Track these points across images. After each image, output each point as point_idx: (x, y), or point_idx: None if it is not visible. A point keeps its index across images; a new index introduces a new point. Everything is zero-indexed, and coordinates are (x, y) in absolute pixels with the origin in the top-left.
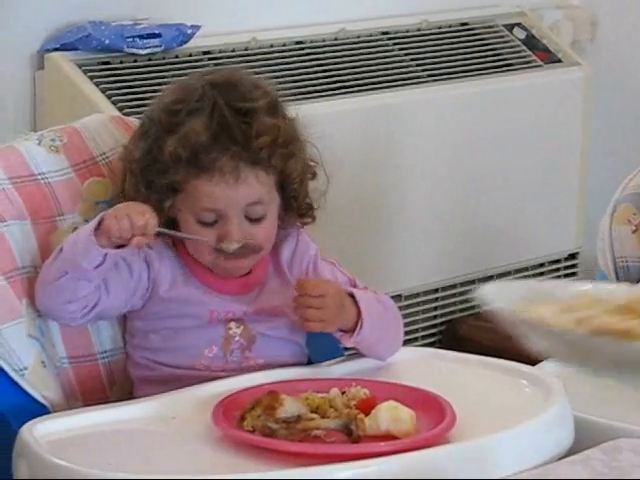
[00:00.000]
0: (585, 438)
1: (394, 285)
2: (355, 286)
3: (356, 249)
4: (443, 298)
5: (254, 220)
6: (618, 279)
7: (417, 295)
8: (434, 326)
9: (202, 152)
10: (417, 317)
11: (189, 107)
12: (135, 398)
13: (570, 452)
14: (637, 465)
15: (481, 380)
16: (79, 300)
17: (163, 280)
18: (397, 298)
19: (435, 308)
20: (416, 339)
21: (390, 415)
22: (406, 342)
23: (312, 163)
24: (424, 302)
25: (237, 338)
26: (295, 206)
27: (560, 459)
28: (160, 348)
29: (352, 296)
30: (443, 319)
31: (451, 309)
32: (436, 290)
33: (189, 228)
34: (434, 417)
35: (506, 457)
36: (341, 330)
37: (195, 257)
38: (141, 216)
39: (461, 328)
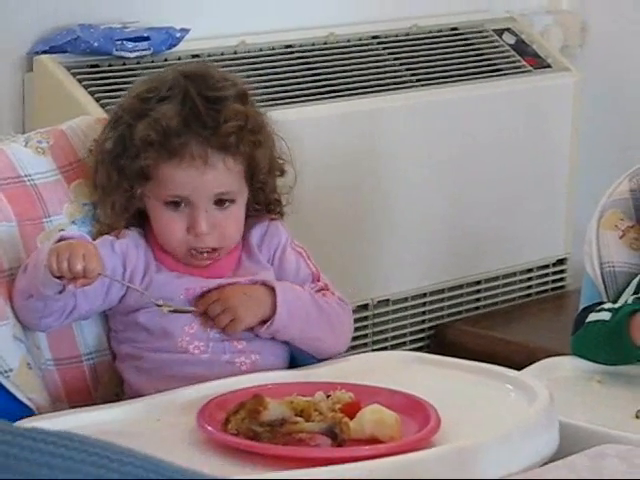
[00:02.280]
0: (570, 443)
1: (382, 290)
2: (318, 281)
3: (344, 254)
4: (431, 303)
5: (223, 209)
6: (605, 284)
7: (405, 300)
8: (422, 331)
9: (173, 136)
10: (405, 322)
11: (160, 95)
12: (122, 399)
13: (554, 457)
14: (622, 471)
15: (466, 384)
16: (52, 314)
17: (138, 272)
18: (385, 303)
19: (423, 313)
20: (404, 344)
21: (374, 419)
22: (394, 347)
23: (281, 160)
24: (412, 307)
25: None
26: (263, 199)
27: (544, 464)
28: (143, 336)
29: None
30: (431, 324)
31: (439, 314)
32: (424, 295)
33: (158, 216)
34: (419, 421)
35: (490, 462)
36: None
37: (164, 246)
38: (80, 261)
39: (449, 333)
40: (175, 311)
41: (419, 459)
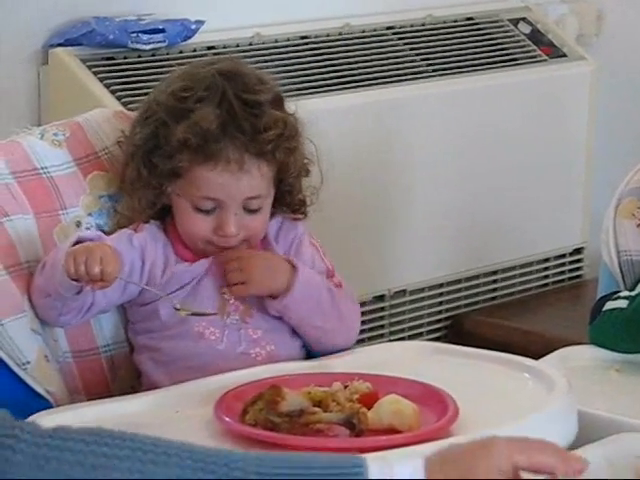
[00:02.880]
0: (588, 432)
1: (399, 280)
2: (332, 277)
3: (361, 245)
4: (448, 293)
5: (250, 212)
6: (622, 273)
7: (422, 290)
8: (439, 321)
9: (211, 140)
10: (422, 312)
11: (198, 95)
12: (138, 392)
13: (573, 446)
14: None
15: (484, 374)
16: (71, 312)
17: (157, 266)
18: (402, 293)
19: (440, 303)
20: (421, 334)
21: (392, 409)
22: (411, 337)
23: (306, 160)
24: (429, 297)
25: (232, 301)
26: (289, 201)
27: None
28: (159, 325)
29: (293, 266)
30: (448, 314)
31: (456, 304)
32: (441, 285)
33: (185, 214)
34: (437, 411)
35: None
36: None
37: (187, 241)
38: (97, 264)
39: (466, 323)
40: (194, 314)
41: (437, 449)
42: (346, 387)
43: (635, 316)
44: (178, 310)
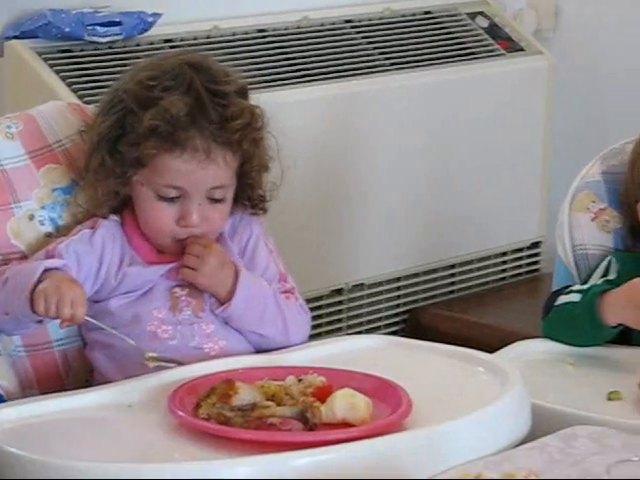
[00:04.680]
0: (542, 425)
1: (357, 274)
2: (285, 281)
3: (319, 238)
4: (406, 287)
5: (214, 202)
6: (577, 267)
7: (380, 284)
8: (397, 315)
9: (180, 128)
10: (380, 306)
11: (165, 84)
12: (92, 385)
13: (527, 439)
14: (593, 452)
15: (438, 367)
16: (27, 329)
17: (113, 266)
18: (360, 287)
19: (398, 297)
20: (379, 328)
21: (346, 403)
22: (369, 331)
23: (267, 156)
24: (387, 291)
25: (183, 298)
26: (250, 195)
27: (517, 446)
28: (112, 322)
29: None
30: (406, 308)
31: (414, 298)
32: (399, 279)
33: (148, 204)
34: (390, 404)
35: (462, 444)
36: (213, 297)
37: (148, 235)
38: (68, 308)
39: (424, 317)
40: (164, 361)
41: (390, 442)
42: (300, 381)
43: (588, 309)
44: (147, 360)
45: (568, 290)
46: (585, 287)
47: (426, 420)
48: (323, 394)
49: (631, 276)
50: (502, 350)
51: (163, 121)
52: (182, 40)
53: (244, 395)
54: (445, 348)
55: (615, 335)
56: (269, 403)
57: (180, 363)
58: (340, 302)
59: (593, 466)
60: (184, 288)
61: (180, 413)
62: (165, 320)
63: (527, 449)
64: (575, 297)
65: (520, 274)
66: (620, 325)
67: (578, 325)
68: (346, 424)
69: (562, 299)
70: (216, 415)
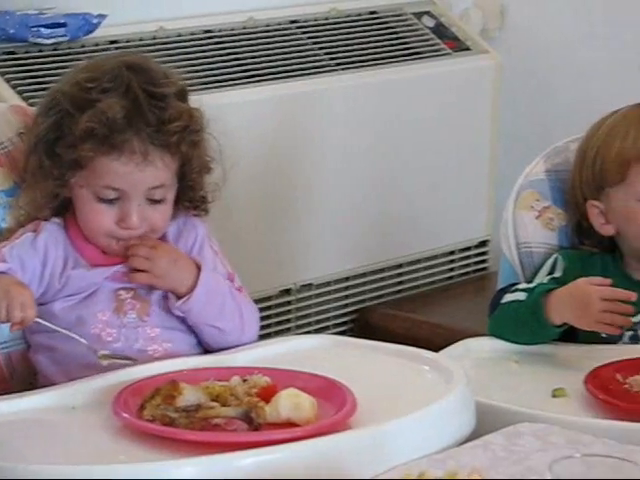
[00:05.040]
0: (488, 423)
1: (305, 274)
2: (232, 281)
3: (266, 238)
4: (354, 286)
5: (154, 202)
6: (522, 265)
7: (328, 284)
8: (345, 315)
9: (116, 131)
10: (328, 306)
11: (103, 85)
12: (36, 388)
13: (472, 437)
14: (537, 449)
15: (383, 366)
16: None
17: (57, 268)
18: (308, 287)
19: (346, 297)
20: (327, 328)
21: (290, 402)
22: (317, 331)
23: (209, 158)
24: (335, 291)
25: (129, 300)
26: (191, 196)
27: (461, 444)
28: (57, 325)
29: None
30: (354, 307)
31: (362, 297)
32: (347, 279)
33: (87, 206)
34: (335, 404)
35: (407, 442)
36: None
37: (88, 236)
38: (18, 311)
39: (372, 316)
40: (115, 358)
41: (334, 442)
42: (245, 381)
43: (533, 308)
44: (100, 358)
45: (514, 288)
46: (531, 285)
47: (370, 419)
48: (268, 394)
49: (577, 273)
50: (448, 348)
51: (99, 124)
52: (128, 41)
53: (188, 396)
54: (390, 347)
55: (560, 334)
56: (214, 404)
57: (133, 360)
58: (288, 302)
59: (537, 463)
60: (129, 291)
61: (124, 415)
62: (109, 323)
63: (471, 447)
64: (521, 295)
65: (468, 273)
66: (565, 324)
67: (523, 323)
68: (291, 424)
69: (508, 297)
70: (160, 416)
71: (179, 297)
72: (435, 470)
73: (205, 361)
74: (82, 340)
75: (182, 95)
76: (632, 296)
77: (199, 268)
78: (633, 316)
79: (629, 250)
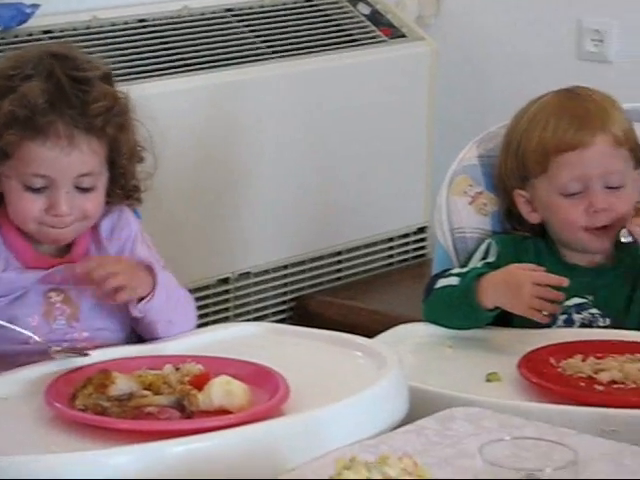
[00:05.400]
0: (422, 408)
1: (243, 263)
2: None
3: (204, 227)
4: (293, 274)
5: (83, 190)
6: (456, 251)
7: (266, 272)
8: (284, 302)
9: (39, 114)
10: (267, 294)
11: (25, 73)
12: None
13: (406, 422)
14: (470, 433)
15: (317, 353)
16: None
17: None
18: (246, 276)
19: (285, 285)
20: (266, 316)
21: (223, 390)
22: (256, 319)
23: (139, 147)
24: (273, 279)
25: (58, 305)
26: (122, 184)
27: (395, 429)
28: None
29: (150, 269)
30: (293, 295)
31: (301, 285)
32: (285, 267)
33: (16, 195)
34: (268, 391)
35: (340, 428)
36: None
37: (19, 225)
38: None
39: (311, 304)
40: (67, 352)
41: (267, 428)
42: (178, 369)
43: (465, 293)
44: (53, 353)
45: (447, 273)
46: (464, 270)
47: (303, 406)
48: (201, 382)
49: (511, 258)
50: (382, 334)
51: (21, 107)
52: (61, 31)
53: (121, 385)
54: (324, 334)
55: (493, 318)
56: (146, 392)
57: (85, 354)
58: (227, 291)
59: (469, 447)
60: (60, 293)
61: (56, 404)
62: (38, 328)
63: (404, 432)
64: (453, 280)
65: (407, 259)
66: (497, 309)
67: (456, 308)
68: (224, 411)
69: (441, 282)
70: (93, 406)
71: (138, 298)
72: (367, 455)
73: (137, 350)
74: (36, 338)
75: (106, 78)
76: (564, 282)
77: (150, 268)
78: (567, 299)
79: (556, 238)
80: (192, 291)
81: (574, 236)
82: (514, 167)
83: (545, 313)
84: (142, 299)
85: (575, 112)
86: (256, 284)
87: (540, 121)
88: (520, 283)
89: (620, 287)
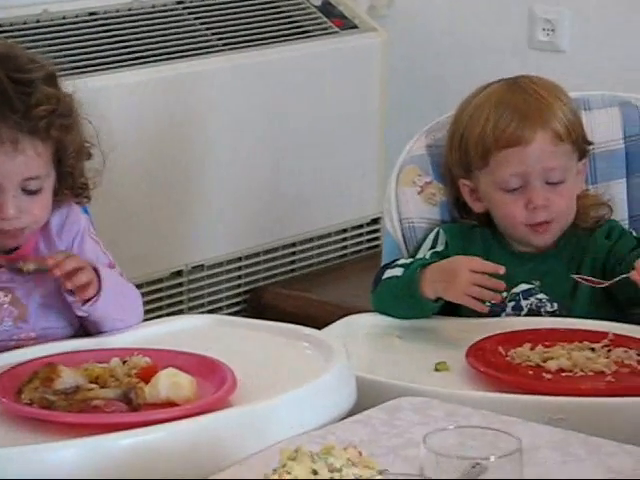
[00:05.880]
0: (369, 398)
1: (196, 255)
2: (114, 268)
3: (156, 220)
4: (246, 267)
5: (30, 193)
6: (405, 241)
7: (220, 264)
8: (238, 295)
9: None
10: (221, 286)
11: None
12: None
13: (354, 412)
14: (417, 422)
15: (264, 344)
16: None
17: None
18: (200, 268)
19: (239, 277)
20: (221, 308)
21: (169, 382)
22: (211, 312)
23: (87, 144)
24: (227, 271)
25: (6, 306)
26: (71, 183)
27: (343, 419)
28: None
29: (96, 270)
30: (247, 287)
31: (255, 277)
32: (239, 259)
33: None
34: (215, 383)
35: (287, 419)
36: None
37: None
38: None
39: (265, 296)
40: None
41: (214, 420)
42: (125, 362)
43: (408, 283)
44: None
45: (394, 264)
46: (408, 261)
47: (251, 397)
48: (148, 375)
49: (459, 247)
50: (331, 325)
51: None
52: (11, 25)
53: (67, 378)
54: (270, 325)
55: (438, 309)
56: (93, 385)
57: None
58: (180, 284)
59: (416, 436)
60: (7, 293)
61: (2, 399)
62: None
63: (352, 422)
64: (398, 271)
65: (361, 251)
66: (440, 299)
67: (400, 299)
68: (170, 403)
69: (387, 273)
70: (39, 399)
71: (81, 298)
72: (314, 446)
73: (84, 343)
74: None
75: (50, 79)
76: (500, 269)
77: (94, 268)
78: (514, 286)
79: (500, 229)
80: (145, 284)
81: (515, 230)
82: (458, 158)
83: (487, 304)
84: (87, 300)
85: (516, 107)
86: (210, 277)
87: (482, 115)
88: (456, 270)
89: (565, 272)
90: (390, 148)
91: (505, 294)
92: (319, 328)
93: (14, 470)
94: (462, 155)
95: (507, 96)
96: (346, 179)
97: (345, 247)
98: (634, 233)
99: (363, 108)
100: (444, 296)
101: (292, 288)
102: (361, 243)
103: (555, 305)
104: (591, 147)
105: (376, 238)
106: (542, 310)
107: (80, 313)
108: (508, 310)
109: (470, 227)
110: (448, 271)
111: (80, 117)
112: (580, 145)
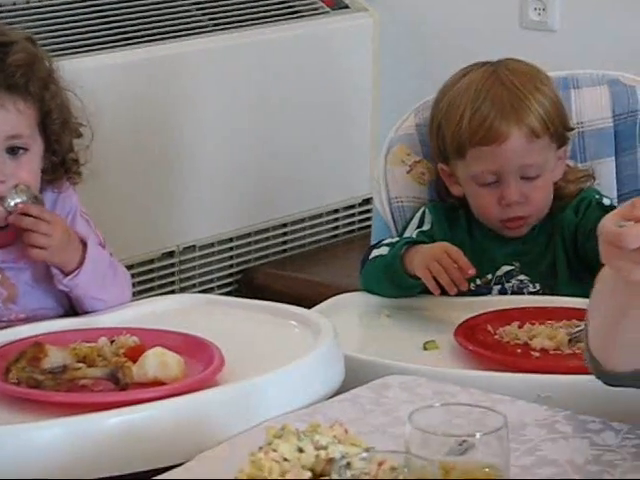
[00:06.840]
0: (357, 377)
1: (188, 236)
2: (104, 248)
3: (148, 201)
4: (238, 247)
5: (15, 155)
6: (394, 220)
7: (212, 245)
8: (230, 275)
9: None
10: (212, 267)
11: None
12: None
13: (342, 391)
14: (404, 401)
15: (252, 323)
16: None
17: None
18: (191, 249)
19: (230, 257)
20: (212, 289)
21: (157, 361)
22: (202, 292)
23: (75, 119)
24: (219, 252)
25: None
26: (61, 157)
27: (330, 398)
28: None
29: (84, 243)
30: (239, 268)
31: (246, 258)
32: (231, 239)
33: None
34: (203, 361)
35: (275, 398)
36: (60, 270)
37: None
38: None
39: (257, 276)
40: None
41: (202, 399)
42: (112, 342)
43: (393, 262)
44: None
45: (380, 244)
46: (394, 240)
47: (238, 376)
48: (135, 354)
49: (443, 226)
50: (321, 304)
51: None
52: (1, 5)
53: (54, 358)
54: (258, 304)
55: (423, 286)
56: (80, 365)
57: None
58: (172, 265)
59: (404, 415)
60: None
61: None
62: None
63: (339, 401)
64: (384, 250)
65: (353, 231)
66: None
67: (385, 278)
68: (158, 382)
69: (374, 252)
70: (26, 379)
71: (66, 272)
72: (301, 424)
73: (72, 323)
74: None
75: (30, 41)
76: (470, 270)
77: (84, 243)
78: (497, 269)
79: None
80: (137, 265)
81: (489, 223)
82: (436, 145)
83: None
84: (68, 274)
85: (493, 101)
86: (201, 257)
87: (458, 108)
88: (434, 249)
89: (543, 252)
90: (382, 128)
91: (490, 276)
92: (310, 308)
93: (1, 449)
94: (440, 143)
95: (484, 89)
96: (338, 159)
97: (337, 227)
98: (608, 202)
99: (355, 88)
100: (410, 267)
101: (284, 269)
102: (353, 223)
103: (537, 286)
104: (574, 131)
105: (368, 218)
106: (525, 291)
107: (61, 287)
108: (494, 293)
109: (455, 207)
110: (426, 248)
111: (65, 90)
112: (560, 134)
